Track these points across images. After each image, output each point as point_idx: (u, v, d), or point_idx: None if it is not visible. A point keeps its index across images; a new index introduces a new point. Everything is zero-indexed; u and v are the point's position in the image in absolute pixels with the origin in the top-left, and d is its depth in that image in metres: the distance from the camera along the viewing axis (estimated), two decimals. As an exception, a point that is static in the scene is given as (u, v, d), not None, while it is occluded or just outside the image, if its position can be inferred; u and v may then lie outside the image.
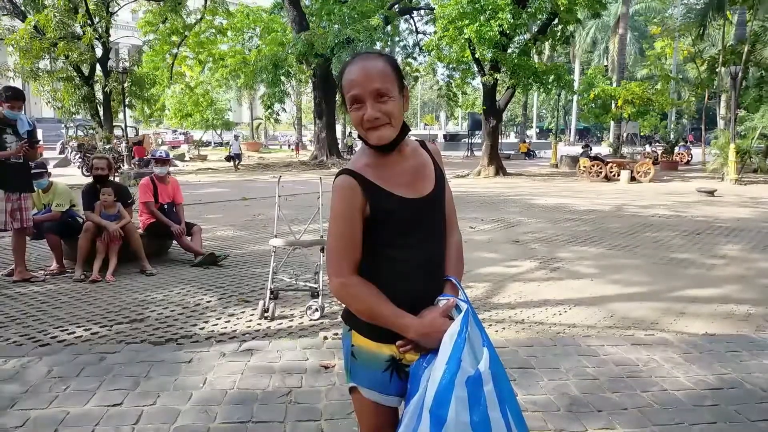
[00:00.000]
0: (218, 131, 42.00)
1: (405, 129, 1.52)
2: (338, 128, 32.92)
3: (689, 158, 27.12)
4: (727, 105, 23.72)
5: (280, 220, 5.03)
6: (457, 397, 1.30)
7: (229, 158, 24.60)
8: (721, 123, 28.14)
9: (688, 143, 34.62)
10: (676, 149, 27.18)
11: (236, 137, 25.91)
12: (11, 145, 5.12)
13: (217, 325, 4.22)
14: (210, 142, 46.24)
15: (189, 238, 6.34)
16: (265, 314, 4.31)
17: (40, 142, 7.09)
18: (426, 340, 1.45)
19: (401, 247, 1.53)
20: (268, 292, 4.45)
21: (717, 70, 22.96)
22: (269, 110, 25.09)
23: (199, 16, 24.71)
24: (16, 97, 5.10)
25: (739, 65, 18.86)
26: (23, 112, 5.29)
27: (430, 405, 1.33)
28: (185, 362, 3.47)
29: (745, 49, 19.62)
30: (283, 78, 25.22)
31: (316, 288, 4.64)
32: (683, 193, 14.44)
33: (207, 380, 3.22)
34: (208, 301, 4.82)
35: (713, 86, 26.09)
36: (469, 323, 1.42)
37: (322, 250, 4.71)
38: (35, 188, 5.94)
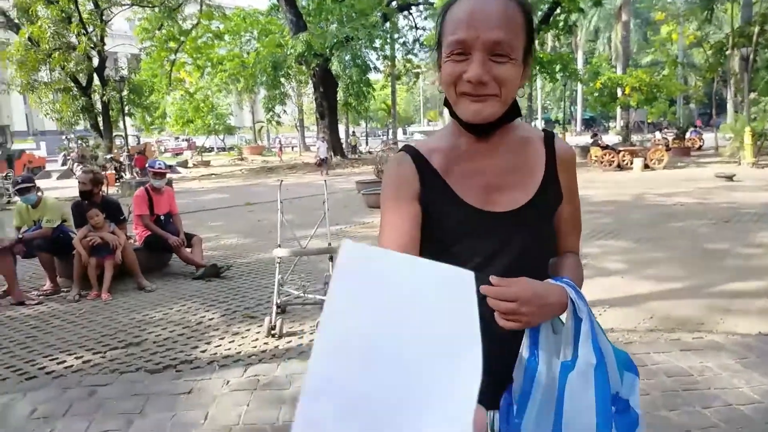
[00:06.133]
0: (221, 136, 41.75)
1: (514, 110, 1.07)
2: (341, 128, 32.58)
3: (701, 143, 26.57)
4: (736, 88, 23.18)
5: (284, 227, 4.64)
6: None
7: (320, 163, 21.66)
8: (729, 107, 27.58)
9: (698, 128, 34.03)
10: (687, 134, 26.65)
11: (323, 139, 23.04)
12: None
13: (220, 346, 3.84)
14: (213, 148, 46.00)
15: (189, 249, 5.97)
16: (272, 332, 3.93)
17: None
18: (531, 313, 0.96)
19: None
20: (275, 307, 4.07)
21: (726, 53, 22.41)
22: (270, 113, 24.75)
23: (195, 21, 24.43)
24: None
25: (749, 47, 18.33)
26: None
27: None
28: (184, 393, 3.09)
29: (755, 31, 19.08)
30: (282, 80, 24.90)
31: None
32: (701, 179, 13.95)
33: (209, 415, 2.84)
34: (210, 319, 4.44)
35: (722, 70, 25.53)
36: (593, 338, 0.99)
37: (331, 258, 4.32)
38: (23, 203, 5.59)
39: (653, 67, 33.97)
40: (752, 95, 20.58)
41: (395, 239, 1.03)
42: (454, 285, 0.35)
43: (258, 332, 4.06)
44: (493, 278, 0.95)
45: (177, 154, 38.58)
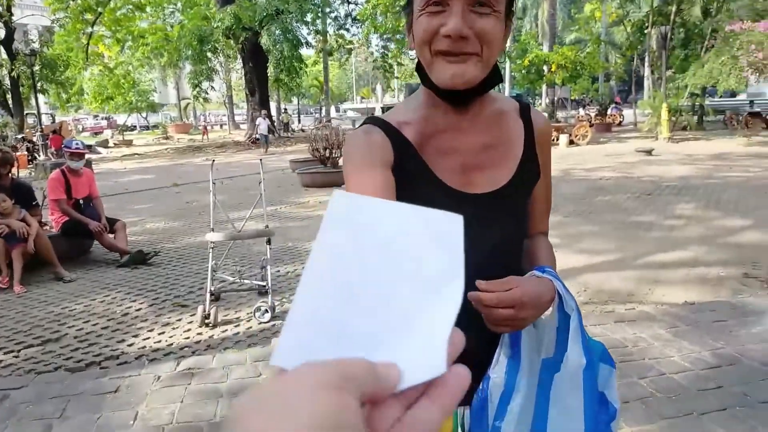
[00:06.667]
0: (143, 114, 39.85)
1: (496, 75, 0.95)
2: (272, 105, 31.77)
3: (621, 119, 27.75)
4: (653, 66, 24.22)
5: (216, 209, 4.40)
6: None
7: (254, 141, 20.75)
8: (646, 84, 28.85)
9: (618, 105, 35.50)
10: (609, 111, 27.75)
11: (265, 116, 21.77)
12: None
13: (149, 338, 3.62)
14: (135, 126, 43.85)
15: (112, 235, 5.61)
16: (206, 321, 3.74)
17: None
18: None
19: None
20: (208, 294, 3.86)
21: (645, 31, 23.35)
22: (197, 89, 23.73)
23: (112, -9, 22.94)
24: None
25: (667, 26, 19.16)
26: None
27: None
28: (111, 392, 2.87)
29: (673, 10, 19.96)
30: (209, 54, 23.86)
31: (264, 285, 4.09)
32: (623, 153, 14.56)
33: (138, 414, 2.65)
34: (138, 310, 4.18)
35: (641, 48, 26.62)
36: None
37: (269, 242, 4.15)
38: None
39: (577, 44, 35.00)
40: (669, 72, 21.60)
41: None
42: (443, 227, 0.36)
43: (190, 322, 3.86)
44: (480, 283, 0.85)
45: (96, 134, 36.55)
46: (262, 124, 20.46)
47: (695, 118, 20.93)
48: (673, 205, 7.41)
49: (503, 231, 1.01)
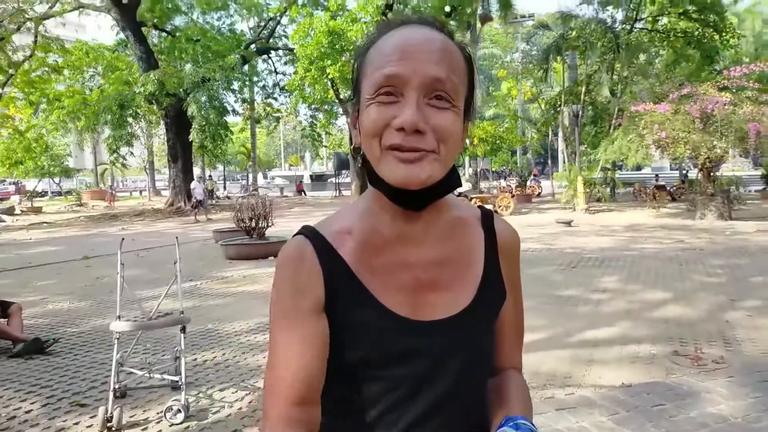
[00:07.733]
0: (56, 179, 37.80)
1: (454, 178, 0.81)
2: (196, 171, 31.05)
3: (540, 190, 29.12)
4: (567, 141, 25.85)
5: (125, 291, 3.97)
6: None
7: (197, 205, 19.78)
8: (560, 157, 30.65)
9: (536, 177, 37.42)
10: (528, 182, 29.11)
11: (200, 179, 20.87)
12: None
13: (37, 449, 3.10)
14: (46, 192, 41.46)
15: (5, 320, 4.98)
16: (108, 424, 3.26)
17: None
18: None
19: (378, 394, 0.79)
20: (112, 393, 3.39)
21: (558, 109, 25.02)
22: (115, 154, 22.84)
23: (28, 53, 22.08)
24: None
25: (578, 104, 20.59)
26: None
27: None
28: None
29: (582, 90, 21.54)
30: (130, 119, 23.20)
31: (177, 380, 3.65)
32: (544, 224, 15.09)
33: None
34: (28, 411, 3.62)
35: (554, 124, 28.48)
36: None
37: (183, 330, 3.76)
38: None
39: (496, 119, 36.99)
40: (582, 147, 23.06)
41: (293, 372, 0.73)
42: None
43: (90, 426, 3.36)
44: None
45: (2, 200, 34.19)
46: (198, 189, 19.86)
47: (608, 190, 22.27)
48: (597, 278, 7.58)
49: (462, 367, 0.83)
